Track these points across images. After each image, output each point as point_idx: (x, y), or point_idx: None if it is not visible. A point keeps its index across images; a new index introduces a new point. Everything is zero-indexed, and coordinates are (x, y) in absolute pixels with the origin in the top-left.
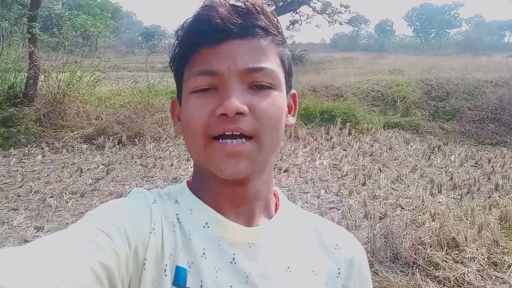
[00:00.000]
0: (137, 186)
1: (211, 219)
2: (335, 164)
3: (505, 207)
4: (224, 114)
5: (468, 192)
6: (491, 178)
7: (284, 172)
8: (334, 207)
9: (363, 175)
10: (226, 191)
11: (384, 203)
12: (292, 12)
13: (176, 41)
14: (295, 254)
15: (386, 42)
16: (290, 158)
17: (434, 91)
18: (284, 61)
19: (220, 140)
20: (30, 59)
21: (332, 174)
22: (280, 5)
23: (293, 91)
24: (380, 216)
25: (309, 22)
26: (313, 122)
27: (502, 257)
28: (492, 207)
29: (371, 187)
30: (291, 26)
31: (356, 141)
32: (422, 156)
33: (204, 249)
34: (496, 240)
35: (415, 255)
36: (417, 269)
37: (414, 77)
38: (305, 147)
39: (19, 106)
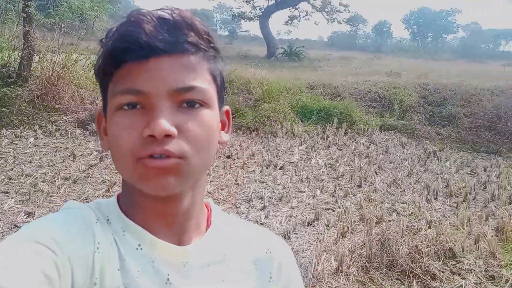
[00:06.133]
0: None
1: (143, 241)
2: (330, 164)
3: (502, 218)
4: (151, 136)
5: (464, 201)
6: (487, 187)
7: (280, 169)
8: (329, 208)
9: (359, 177)
10: (156, 209)
11: (380, 207)
12: (291, 7)
13: (100, 51)
14: (229, 269)
15: (383, 44)
16: (286, 155)
17: (431, 96)
18: (216, 77)
19: (148, 158)
20: (25, 38)
21: (328, 174)
22: (279, 0)
23: (226, 107)
24: (376, 221)
25: (308, 19)
26: (310, 120)
27: (500, 270)
28: (488, 217)
29: (367, 190)
30: (289, 22)
31: (352, 141)
32: (418, 161)
33: (138, 271)
34: (493, 252)
35: (412, 263)
36: (413, 278)
37: (411, 80)
38: (301, 145)
39: (12, 86)
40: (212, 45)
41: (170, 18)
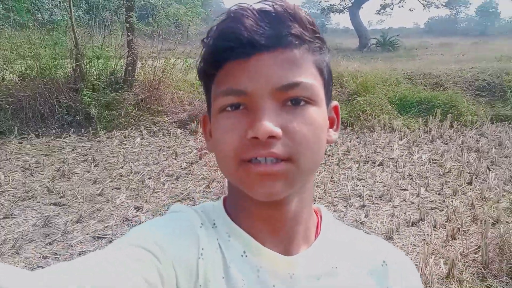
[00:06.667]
0: None
1: (249, 248)
2: (435, 160)
3: None
4: (255, 137)
5: None
6: None
7: (379, 165)
8: (436, 208)
9: (469, 173)
10: (263, 213)
11: (495, 207)
12: None
13: (202, 51)
14: (339, 282)
15: (489, 26)
16: (385, 150)
17: None
18: (323, 70)
19: (253, 160)
20: (129, 47)
21: (432, 171)
22: None
23: (334, 102)
24: (492, 222)
25: (402, 6)
26: (409, 112)
27: None
28: None
29: (479, 188)
30: (381, 11)
31: (459, 134)
32: None
33: (242, 280)
34: None
35: None
36: None
37: None
38: (401, 140)
39: (119, 91)
40: (317, 35)
41: (271, 10)
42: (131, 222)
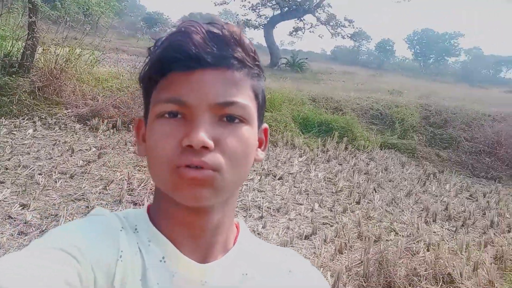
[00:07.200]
0: (128, 174)
1: (167, 253)
2: (330, 178)
3: (501, 246)
4: (190, 146)
5: (463, 225)
6: (487, 213)
7: (279, 179)
8: (327, 223)
9: (358, 193)
10: (185, 219)
11: (378, 226)
12: (296, 19)
13: (147, 59)
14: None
15: (385, 61)
16: (285, 165)
17: (432, 117)
18: (258, 94)
19: (184, 168)
20: (29, 29)
21: (326, 188)
22: (285, 10)
23: (264, 125)
24: (374, 239)
25: (312, 32)
26: (310, 132)
27: None
28: (487, 244)
29: (365, 207)
30: (294, 33)
31: (352, 157)
32: (418, 182)
33: (158, 284)
34: (492, 281)
35: (410, 286)
36: None
37: (413, 100)
38: (301, 157)
39: (13, 75)
40: (257, 63)
41: (219, 32)
42: (15, 221)
